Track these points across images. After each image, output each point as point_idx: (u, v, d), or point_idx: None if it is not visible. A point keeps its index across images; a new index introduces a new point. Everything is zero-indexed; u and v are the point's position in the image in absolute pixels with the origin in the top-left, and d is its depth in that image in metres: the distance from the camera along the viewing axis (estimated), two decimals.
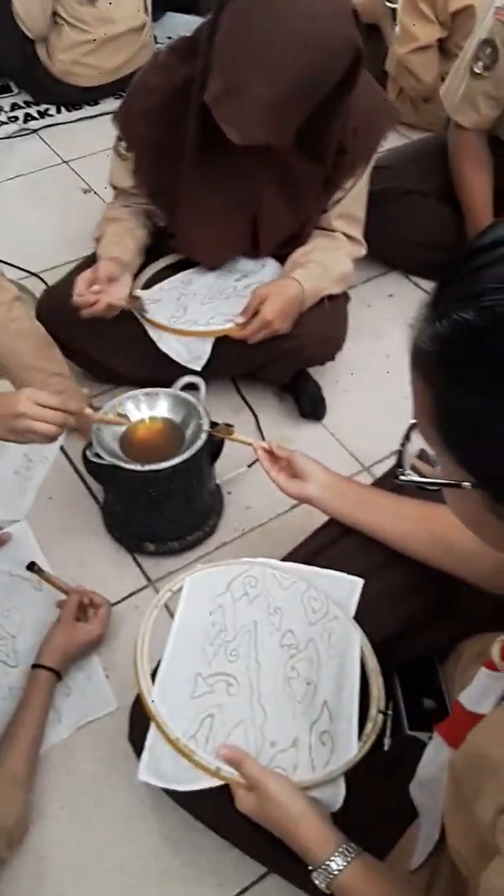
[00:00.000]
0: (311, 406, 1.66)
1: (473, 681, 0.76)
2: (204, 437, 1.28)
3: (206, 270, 1.58)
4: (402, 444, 0.73)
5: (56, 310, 1.52)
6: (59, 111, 2.68)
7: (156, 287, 1.56)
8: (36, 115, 2.67)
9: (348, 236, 1.53)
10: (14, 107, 2.71)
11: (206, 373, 1.56)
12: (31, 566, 1.35)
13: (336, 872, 0.77)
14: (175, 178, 1.40)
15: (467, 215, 1.87)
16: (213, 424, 1.27)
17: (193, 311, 1.49)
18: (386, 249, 1.99)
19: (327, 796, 0.88)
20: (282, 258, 1.54)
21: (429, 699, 1.04)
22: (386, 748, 0.95)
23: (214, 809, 0.93)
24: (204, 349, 1.47)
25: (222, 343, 1.46)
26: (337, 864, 0.77)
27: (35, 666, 1.18)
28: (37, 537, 1.45)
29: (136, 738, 0.99)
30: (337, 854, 0.77)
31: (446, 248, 1.89)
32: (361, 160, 1.43)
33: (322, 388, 1.70)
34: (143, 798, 1.13)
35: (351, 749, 0.91)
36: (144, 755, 0.89)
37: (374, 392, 1.75)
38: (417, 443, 0.86)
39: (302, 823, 0.81)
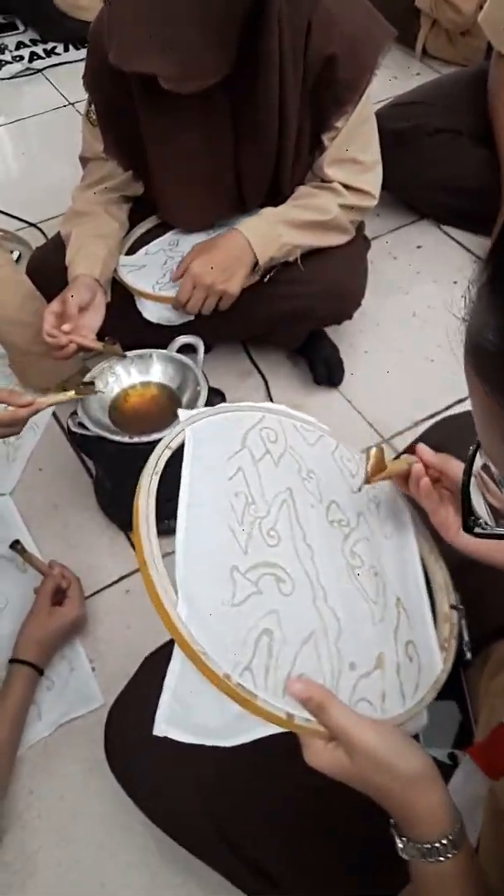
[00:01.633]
0: (326, 371, 1.51)
1: None
2: (201, 404, 1.14)
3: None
4: (466, 479, 0.53)
5: (44, 271, 1.38)
6: (66, 49, 2.50)
7: (141, 251, 1.40)
8: (42, 53, 2.50)
9: (348, 187, 1.30)
10: (19, 45, 2.54)
11: (211, 336, 1.42)
12: (15, 544, 1.23)
13: (432, 861, 0.58)
14: (140, 137, 1.24)
15: None
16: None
17: None
18: (414, 195, 1.82)
19: (412, 721, 0.67)
20: None
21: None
22: (468, 657, 0.73)
23: (194, 833, 0.82)
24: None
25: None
26: (440, 852, 0.58)
27: (13, 660, 1.07)
28: (23, 512, 1.33)
29: (115, 741, 0.87)
30: (446, 841, 0.58)
31: (482, 194, 1.71)
32: (349, 92, 1.20)
33: (339, 350, 1.54)
34: (129, 807, 1.00)
35: (435, 662, 0.69)
36: (166, 698, 0.59)
37: (399, 354, 1.59)
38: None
39: (415, 791, 0.58)
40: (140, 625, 1.19)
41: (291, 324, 1.40)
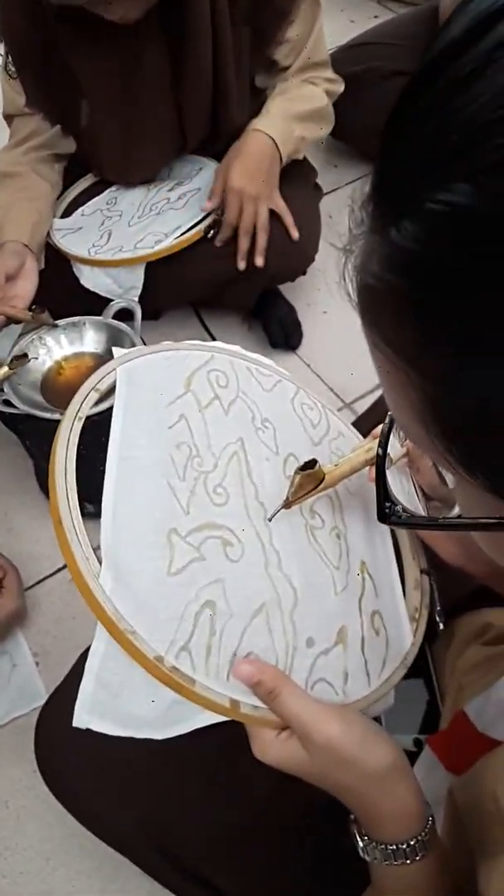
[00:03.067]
0: (282, 333, 1.42)
1: (488, 693, 0.56)
2: None
3: (132, 184, 1.33)
4: (381, 458, 0.45)
5: None
6: None
7: (76, 213, 1.30)
8: None
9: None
10: None
11: (158, 301, 1.33)
12: None
13: (397, 864, 0.50)
14: (65, 87, 1.14)
15: None
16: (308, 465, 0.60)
17: (119, 236, 1.23)
18: (371, 144, 1.71)
19: (378, 703, 0.58)
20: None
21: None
22: (441, 627, 0.67)
23: (129, 844, 0.74)
24: (136, 277, 1.21)
25: (167, 266, 1.20)
26: (406, 854, 0.50)
27: None
28: None
29: (44, 742, 0.78)
30: (415, 842, 0.50)
31: None
32: (288, 2, 1.13)
33: (297, 310, 1.45)
34: None
35: (404, 634, 0.61)
36: (88, 684, 0.50)
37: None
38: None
39: (382, 789, 0.50)
40: (87, 615, 1.10)
41: (244, 282, 1.30)
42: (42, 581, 1.16)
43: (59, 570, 1.17)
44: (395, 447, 0.56)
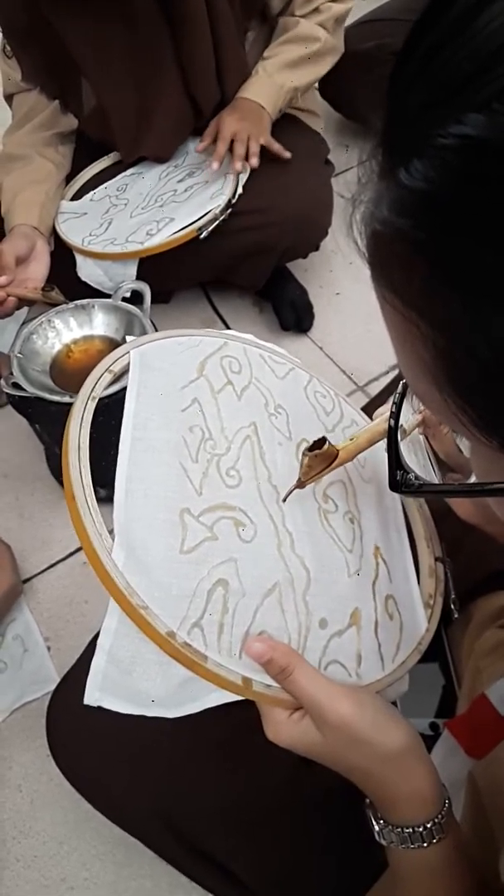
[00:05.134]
0: (293, 315, 1.39)
1: None
2: None
3: (146, 171, 1.30)
4: (393, 425, 0.43)
5: None
6: None
7: (86, 196, 1.29)
8: None
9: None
10: None
11: (169, 280, 1.31)
12: None
13: (413, 847, 0.49)
14: (63, 60, 1.12)
15: None
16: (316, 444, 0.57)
17: (116, 227, 1.20)
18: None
19: (392, 688, 0.58)
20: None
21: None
22: (456, 615, 0.65)
23: (144, 828, 0.73)
24: (128, 273, 1.18)
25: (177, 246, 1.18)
26: (423, 837, 0.49)
27: None
28: None
29: (57, 726, 0.77)
30: (431, 825, 0.49)
31: None
32: None
33: (308, 292, 1.43)
34: None
35: (418, 620, 0.61)
36: (99, 661, 0.50)
37: (373, 295, 1.46)
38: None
39: (396, 771, 0.49)
40: (99, 600, 1.11)
41: (255, 259, 1.28)
42: (54, 565, 1.15)
43: (71, 554, 1.16)
44: (410, 418, 0.55)
